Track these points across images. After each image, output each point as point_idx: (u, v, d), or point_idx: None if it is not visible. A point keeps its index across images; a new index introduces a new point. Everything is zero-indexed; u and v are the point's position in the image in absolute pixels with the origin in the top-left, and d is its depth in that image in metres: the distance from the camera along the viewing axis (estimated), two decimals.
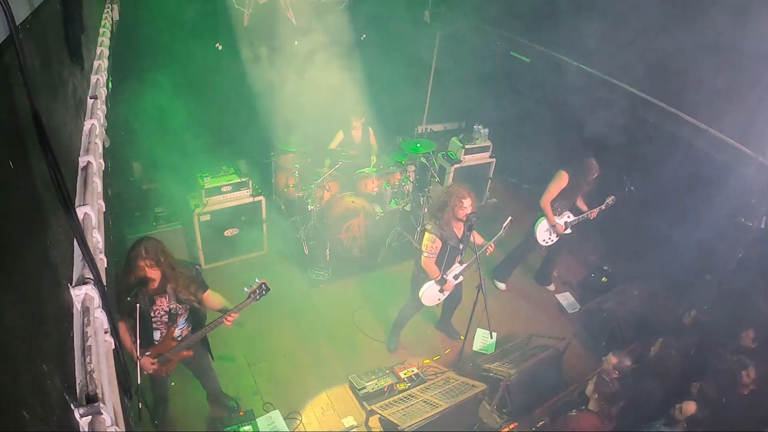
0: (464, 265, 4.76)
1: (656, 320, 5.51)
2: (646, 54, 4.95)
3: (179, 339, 3.64)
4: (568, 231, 5.78)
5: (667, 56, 4.77)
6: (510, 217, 5.15)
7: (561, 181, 5.51)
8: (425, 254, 4.57)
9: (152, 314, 3.49)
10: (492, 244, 4.71)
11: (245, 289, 3.57)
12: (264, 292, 3.57)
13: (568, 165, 5.57)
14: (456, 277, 4.80)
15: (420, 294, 4.76)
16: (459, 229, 4.59)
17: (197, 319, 3.72)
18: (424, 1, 8.10)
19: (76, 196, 1.70)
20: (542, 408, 4.42)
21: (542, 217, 5.68)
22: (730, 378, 4.12)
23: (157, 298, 3.47)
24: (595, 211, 5.62)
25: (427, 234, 4.57)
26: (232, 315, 3.55)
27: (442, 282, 4.69)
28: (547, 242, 5.84)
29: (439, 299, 4.91)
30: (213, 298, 3.70)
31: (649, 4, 5.01)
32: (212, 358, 4.09)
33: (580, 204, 5.77)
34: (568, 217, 5.71)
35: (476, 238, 4.66)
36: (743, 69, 4.32)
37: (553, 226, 5.66)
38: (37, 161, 1.28)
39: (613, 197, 5.60)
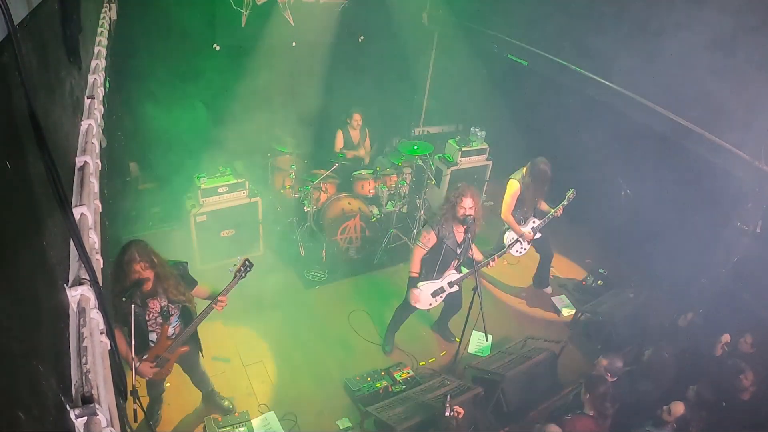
0: (461, 275, 4.75)
1: (652, 323, 5.53)
2: (645, 58, 4.97)
3: (173, 337, 3.66)
4: (538, 235, 5.75)
5: (664, 60, 4.80)
6: (517, 238, 5.37)
7: (514, 190, 5.47)
8: (416, 243, 4.63)
9: (147, 317, 3.49)
10: (495, 259, 4.66)
11: (230, 269, 3.61)
12: (249, 269, 3.66)
13: (514, 171, 5.56)
14: (451, 284, 4.78)
15: (410, 294, 4.76)
16: (459, 233, 4.59)
17: (188, 317, 3.74)
18: (421, 3, 8.12)
19: (72, 197, 1.70)
20: (537, 411, 4.42)
21: (508, 229, 5.67)
22: (729, 381, 4.11)
23: (149, 300, 3.48)
24: (560, 208, 5.50)
25: (425, 226, 4.70)
26: (221, 298, 3.61)
27: (413, 284, 4.68)
28: (519, 252, 5.81)
29: (431, 304, 4.88)
30: (203, 289, 3.78)
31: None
32: (201, 355, 4.09)
33: (542, 206, 5.69)
34: (534, 222, 5.67)
35: (475, 253, 4.64)
36: (740, 74, 4.35)
37: (521, 236, 5.61)
38: (33, 161, 1.28)
39: (573, 190, 5.48)
